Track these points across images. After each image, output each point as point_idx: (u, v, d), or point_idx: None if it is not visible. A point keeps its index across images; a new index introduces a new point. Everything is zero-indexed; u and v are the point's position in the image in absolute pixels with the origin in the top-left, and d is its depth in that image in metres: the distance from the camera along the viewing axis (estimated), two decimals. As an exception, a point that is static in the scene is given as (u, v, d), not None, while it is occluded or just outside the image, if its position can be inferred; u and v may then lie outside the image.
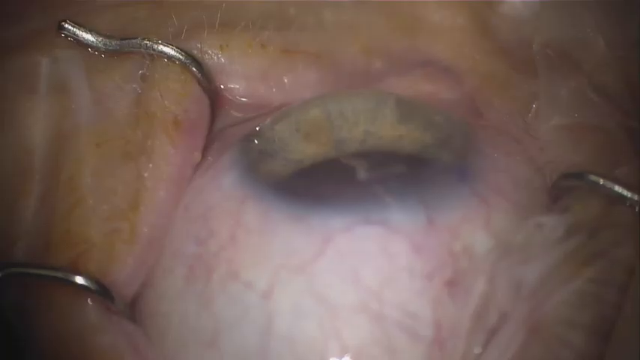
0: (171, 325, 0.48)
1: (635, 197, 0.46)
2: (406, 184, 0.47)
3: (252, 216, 0.48)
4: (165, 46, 0.50)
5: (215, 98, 0.52)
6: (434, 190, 0.47)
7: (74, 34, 0.51)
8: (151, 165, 0.49)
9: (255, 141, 0.51)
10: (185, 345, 0.47)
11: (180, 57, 0.50)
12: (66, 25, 0.51)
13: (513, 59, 0.54)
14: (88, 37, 0.51)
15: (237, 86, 0.53)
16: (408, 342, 0.45)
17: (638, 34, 0.49)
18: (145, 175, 0.49)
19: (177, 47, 0.50)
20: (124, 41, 0.51)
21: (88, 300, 0.46)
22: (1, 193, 0.50)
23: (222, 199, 0.49)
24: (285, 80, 0.53)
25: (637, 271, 0.45)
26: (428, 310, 0.46)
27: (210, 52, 0.52)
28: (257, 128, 0.52)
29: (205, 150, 0.52)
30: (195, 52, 0.51)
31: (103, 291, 0.46)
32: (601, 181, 0.46)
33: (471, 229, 0.47)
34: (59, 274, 0.46)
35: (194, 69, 0.51)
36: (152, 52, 0.50)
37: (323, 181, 0.49)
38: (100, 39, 0.51)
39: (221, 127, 0.53)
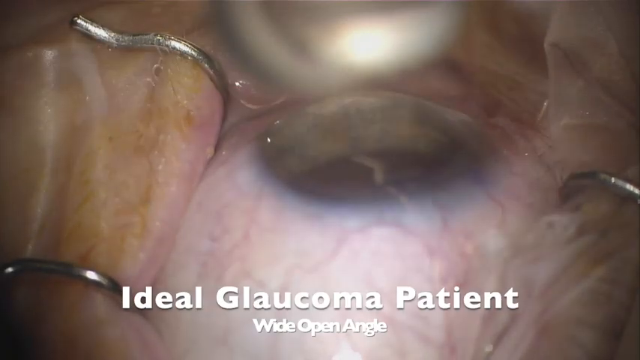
0: (182, 322, 0.48)
1: (646, 197, 0.46)
2: (421, 186, 0.47)
3: (267, 214, 0.48)
4: (177, 41, 0.50)
5: (227, 94, 0.52)
6: (449, 193, 0.48)
7: (87, 29, 0.51)
8: (163, 160, 0.49)
9: (271, 138, 0.51)
10: (196, 342, 0.47)
11: (193, 53, 0.50)
12: (79, 21, 0.51)
13: (523, 58, 0.54)
14: (100, 32, 0.51)
15: (250, 82, 0.53)
16: (419, 345, 0.45)
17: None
18: (157, 169, 0.49)
19: (189, 43, 0.50)
20: (136, 37, 0.51)
21: (99, 294, 0.46)
22: (14, 189, 0.50)
23: (237, 196, 0.49)
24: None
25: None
26: (439, 313, 0.46)
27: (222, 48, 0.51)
28: (275, 123, 0.52)
29: (218, 146, 0.52)
30: (207, 48, 0.51)
31: (113, 286, 0.46)
32: (612, 180, 0.46)
33: (485, 232, 0.47)
34: (70, 270, 0.46)
35: (206, 65, 0.51)
36: (164, 47, 0.50)
37: (338, 181, 0.49)
38: (112, 34, 0.51)
39: (234, 122, 0.54)
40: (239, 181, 0.49)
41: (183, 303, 0.47)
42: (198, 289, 0.47)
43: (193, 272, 0.48)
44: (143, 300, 0.48)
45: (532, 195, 0.49)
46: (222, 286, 0.47)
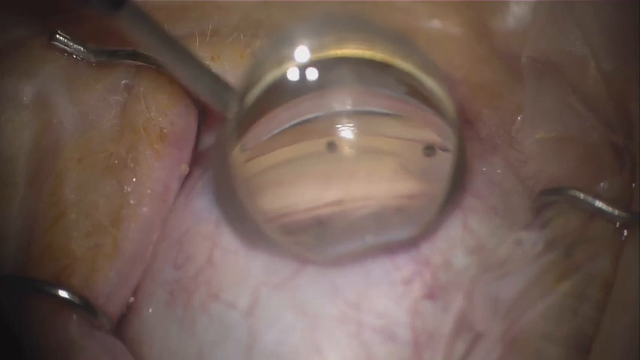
0: (154, 351, 0.48)
1: (616, 212, 0.46)
2: None
3: (229, 238, 0.48)
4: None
5: (205, 109, 0.52)
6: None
7: (66, 44, 0.51)
8: (134, 179, 0.49)
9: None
10: None
11: (173, 66, 0.50)
12: (58, 36, 0.51)
13: (504, 70, 0.54)
14: (79, 47, 0.51)
15: None
16: (388, 353, 0.46)
17: (627, 48, 0.49)
18: (128, 190, 0.49)
19: None
20: (114, 51, 0.51)
21: (72, 315, 0.46)
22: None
23: (197, 222, 0.49)
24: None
25: (615, 285, 0.45)
26: (406, 317, 0.46)
27: (201, 62, 0.52)
28: None
29: (193, 163, 0.52)
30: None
31: (85, 305, 0.46)
32: (581, 196, 0.47)
33: (453, 247, 0.48)
34: (42, 287, 0.46)
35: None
36: (143, 62, 0.50)
37: None
38: (91, 49, 0.51)
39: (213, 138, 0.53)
40: (197, 208, 0.49)
41: (152, 333, 0.48)
42: (168, 318, 0.48)
43: (161, 301, 0.48)
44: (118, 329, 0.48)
45: (495, 197, 0.49)
46: (191, 311, 0.47)
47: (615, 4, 0.49)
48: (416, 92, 0.45)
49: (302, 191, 0.45)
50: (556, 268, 0.46)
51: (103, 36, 0.51)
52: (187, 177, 0.51)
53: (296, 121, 0.44)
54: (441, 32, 0.55)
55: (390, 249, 0.47)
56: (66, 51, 0.51)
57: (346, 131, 0.44)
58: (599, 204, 0.46)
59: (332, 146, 0.44)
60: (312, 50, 0.44)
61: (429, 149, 0.45)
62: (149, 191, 0.49)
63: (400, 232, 0.46)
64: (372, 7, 0.54)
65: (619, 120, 0.49)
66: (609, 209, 0.46)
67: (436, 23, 0.55)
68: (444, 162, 0.45)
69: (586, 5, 0.49)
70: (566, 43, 0.50)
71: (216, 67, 0.51)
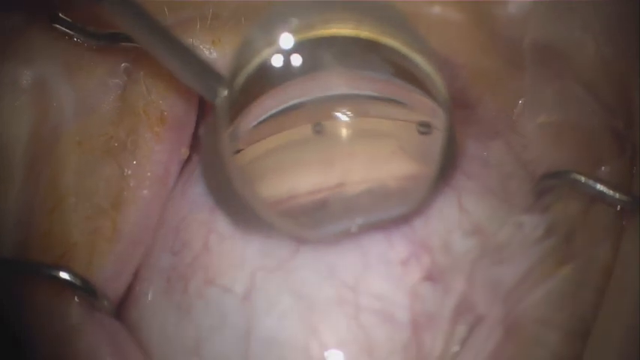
0: (153, 337, 0.48)
1: (617, 196, 0.46)
2: None
3: (224, 223, 0.48)
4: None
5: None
6: None
7: (68, 26, 0.51)
8: (134, 162, 0.49)
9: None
10: (168, 356, 0.47)
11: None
12: (60, 19, 0.50)
13: (506, 56, 0.54)
14: (80, 30, 0.51)
15: None
16: (386, 335, 0.46)
17: (627, 34, 0.49)
18: (128, 173, 0.49)
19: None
20: (115, 34, 0.50)
21: (73, 298, 0.46)
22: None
23: (193, 209, 0.49)
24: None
25: (615, 270, 0.45)
26: (405, 299, 0.46)
27: (202, 47, 0.51)
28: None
29: (193, 147, 0.52)
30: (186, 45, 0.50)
31: (86, 286, 0.46)
32: (583, 180, 0.47)
33: (453, 229, 0.48)
34: (43, 270, 0.46)
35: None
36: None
37: None
38: (91, 32, 0.51)
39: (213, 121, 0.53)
40: (193, 195, 0.50)
41: (151, 319, 0.48)
42: (165, 304, 0.48)
43: (158, 288, 0.48)
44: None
45: (503, 191, 0.49)
46: (188, 297, 0.47)
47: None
48: (404, 71, 0.45)
49: (302, 176, 0.45)
50: (556, 252, 0.46)
51: (104, 19, 0.51)
52: (187, 161, 0.51)
53: (285, 106, 0.44)
54: (442, 18, 0.55)
55: (386, 228, 0.47)
56: (67, 34, 0.51)
57: (336, 114, 0.44)
58: (600, 187, 0.46)
59: (319, 128, 0.44)
60: (298, 31, 0.43)
61: (424, 126, 0.45)
62: (149, 174, 0.49)
63: (396, 211, 0.46)
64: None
65: (619, 105, 0.49)
66: (610, 192, 0.46)
67: (437, 9, 0.55)
68: (436, 140, 0.45)
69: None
70: (567, 28, 0.50)
71: (217, 51, 0.51)
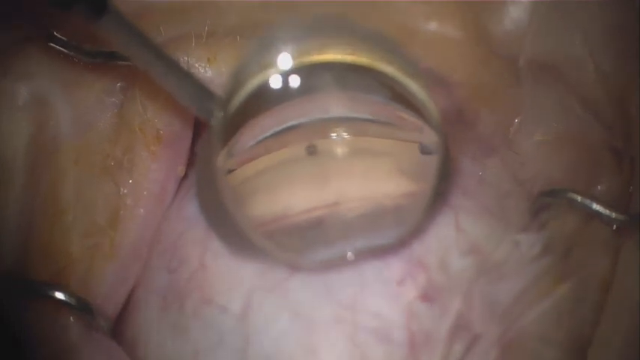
0: (150, 356, 0.48)
1: (613, 215, 0.46)
2: None
3: (220, 242, 0.48)
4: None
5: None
6: None
7: (63, 45, 0.50)
8: (130, 181, 0.49)
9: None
10: None
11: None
12: (55, 37, 0.50)
13: (503, 72, 0.54)
14: (76, 49, 0.51)
15: None
16: (384, 355, 0.46)
17: (626, 50, 0.49)
18: (125, 191, 0.49)
19: None
20: (111, 53, 0.50)
21: (70, 317, 0.46)
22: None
23: (189, 227, 0.49)
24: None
25: (613, 287, 0.45)
26: (401, 318, 0.46)
27: (197, 64, 0.51)
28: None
29: (190, 165, 0.51)
30: (181, 65, 0.50)
31: (82, 306, 0.46)
32: (579, 199, 0.47)
33: (450, 249, 0.47)
34: (39, 289, 0.46)
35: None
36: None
37: None
38: (88, 50, 0.51)
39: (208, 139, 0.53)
40: (188, 213, 0.50)
41: (148, 338, 0.48)
42: (162, 323, 0.47)
43: (155, 306, 0.48)
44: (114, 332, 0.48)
45: (500, 209, 0.49)
46: (185, 316, 0.47)
47: (614, 6, 0.49)
48: (399, 96, 0.45)
49: (297, 194, 0.45)
50: (554, 270, 0.46)
51: (100, 38, 0.50)
52: (184, 179, 0.51)
53: (280, 128, 0.44)
54: (439, 34, 0.55)
55: (382, 250, 0.47)
56: (63, 52, 0.51)
57: (333, 136, 0.44)
58: (596, 206, 0.46)
59: (312, 150, 0.44)
60: (294, 56, 0.43)
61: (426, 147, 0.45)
62: (146, 192, 0.49)
63: (392, 233, 0.46)
64: (370, 9, 0.54)
65: (618, 122, 0.49)
66: (607, 212, 0.46)
67: (434, 25, 0.55)
68: (432, 161, 0.45)
69: (585, 6, 0.49)
70: (565, 44, 0.50)
71: (212, 70, 0.51)
